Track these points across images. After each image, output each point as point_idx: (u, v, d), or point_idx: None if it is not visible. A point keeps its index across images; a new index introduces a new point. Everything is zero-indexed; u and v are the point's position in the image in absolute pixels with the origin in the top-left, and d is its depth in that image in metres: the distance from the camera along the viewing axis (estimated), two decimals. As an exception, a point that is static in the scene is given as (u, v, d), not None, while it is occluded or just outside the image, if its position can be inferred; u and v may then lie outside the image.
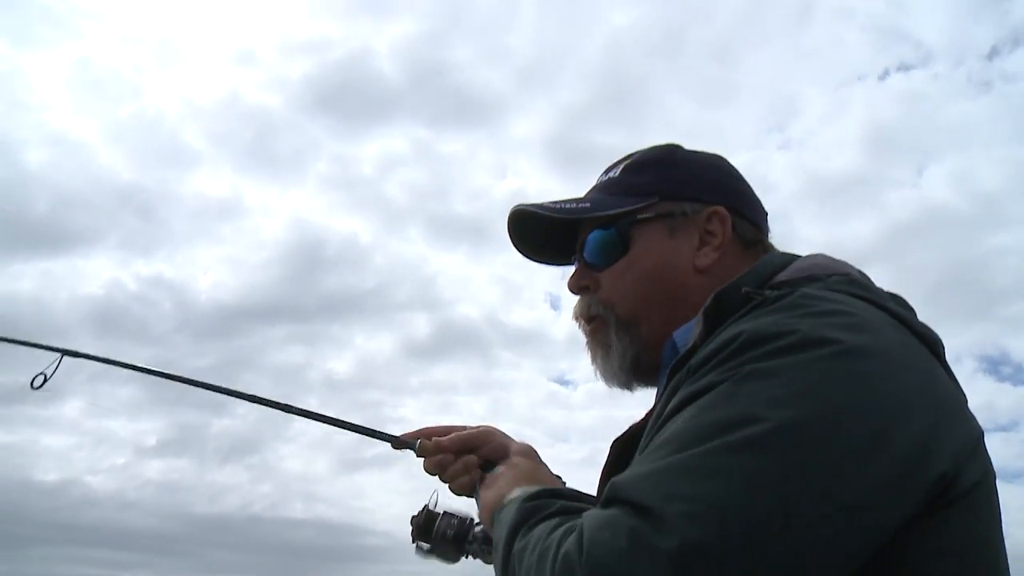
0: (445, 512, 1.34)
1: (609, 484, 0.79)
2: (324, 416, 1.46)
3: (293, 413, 1.47)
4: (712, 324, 0.93)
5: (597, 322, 1.17)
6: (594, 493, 1.06)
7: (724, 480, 0.72)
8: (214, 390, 1.54)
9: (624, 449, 1.02)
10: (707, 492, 0.72)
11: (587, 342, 1.20)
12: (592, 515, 0.79)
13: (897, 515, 0.76)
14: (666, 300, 1.12)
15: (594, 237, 1.17)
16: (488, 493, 1.16)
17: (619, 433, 1.06)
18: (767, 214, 1.22)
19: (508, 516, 0.98)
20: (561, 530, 0.83)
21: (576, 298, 1.23)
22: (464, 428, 1.37)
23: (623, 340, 1.14)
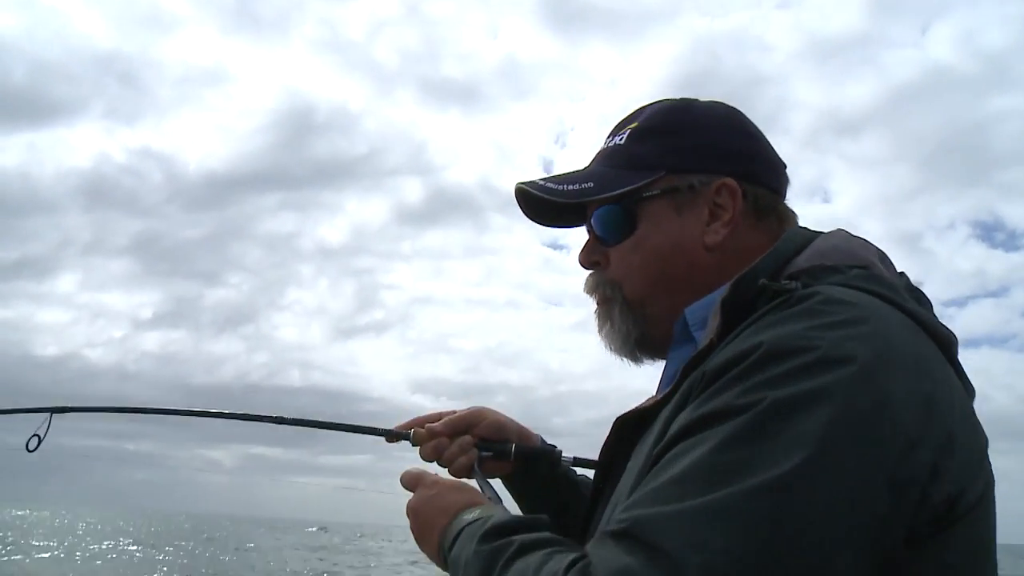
0: None
1: (630, 517, 0.76)
2: (312, 421, 1.48)
3: (284, 423, 1.49)
4: (729, 316, 0.91)
5: (607, 302, 1.17)
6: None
7: (744, 527, 0.70)
8: (199, 415, 1.60)
9: (628, 430, 1.00)
10: (729, 541, 0.70)
11: (595, 311, 1.20)
12: (605, 558, 0.75)
13: (901, 538, 0.76)
14: (675, 280, 1.10)
15: (601, 213, 1.15)
16: (421, 527, 1.13)
17: (624, 411, 1.04)
18: (785, 167, 1.19)
19: (464, 562, 0.94)
20: (549, 570, 0.80)
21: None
22: (454, 412, 1.39)
23: (627, 321, 1.14)
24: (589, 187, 1.14)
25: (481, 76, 58.94)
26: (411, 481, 1.19)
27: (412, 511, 1.14)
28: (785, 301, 0.86)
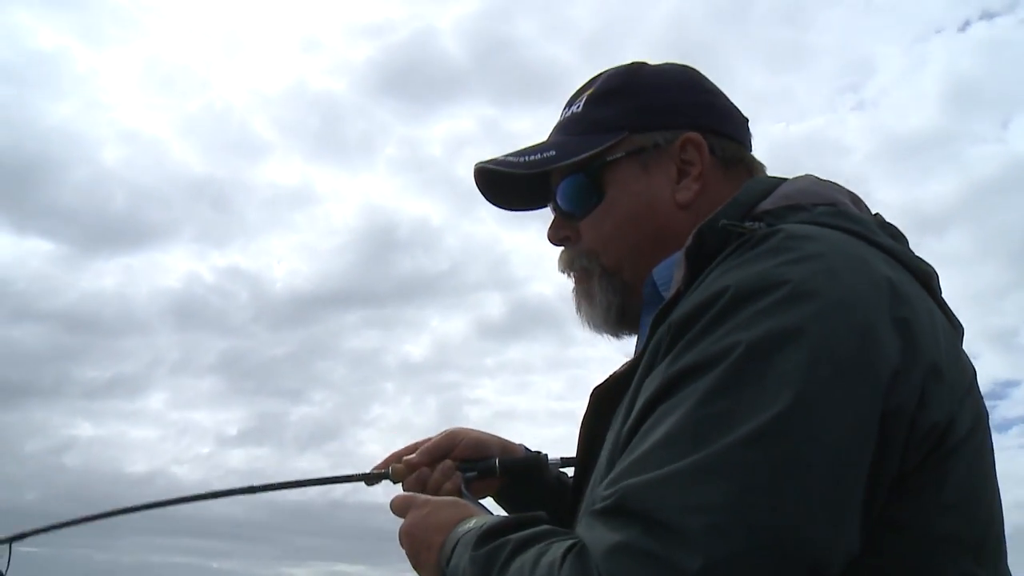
0: None
1: (617, 490, 0.71)
2: (284, 483, 1.39)
3: (255, 491, 1.39)
4: (695, 265, 0.87)
5: (584, 274, 1.11)
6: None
7: (744, 480, 0.66)
8: (163, 505, 1.41)
9: (605, 400, 0.95)
10: (730, 497, 0.66)
11: (573, 290, 1.15)
12: (598, 538, 0.70)
13: (894, 470, 0.73)
14: (651, 243, 1.05)
15: (566, 185, 1.10)
16: (416, 548, 1.03)
17: (600, 382, 0.99)
18: (747, 121, 1.14)
19: (463, 572, 0.87)
20: (546, 563, 0.74)
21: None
22: (429, 440, 1.33)
23: (606, 290, 1.09)
24: (551, 155, 1.08)
25: None
26: (402, 505, 1.10)
27: (406, 535, 1.05)
28: (747, 242, 0.82)
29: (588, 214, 1.09)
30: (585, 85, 1.14)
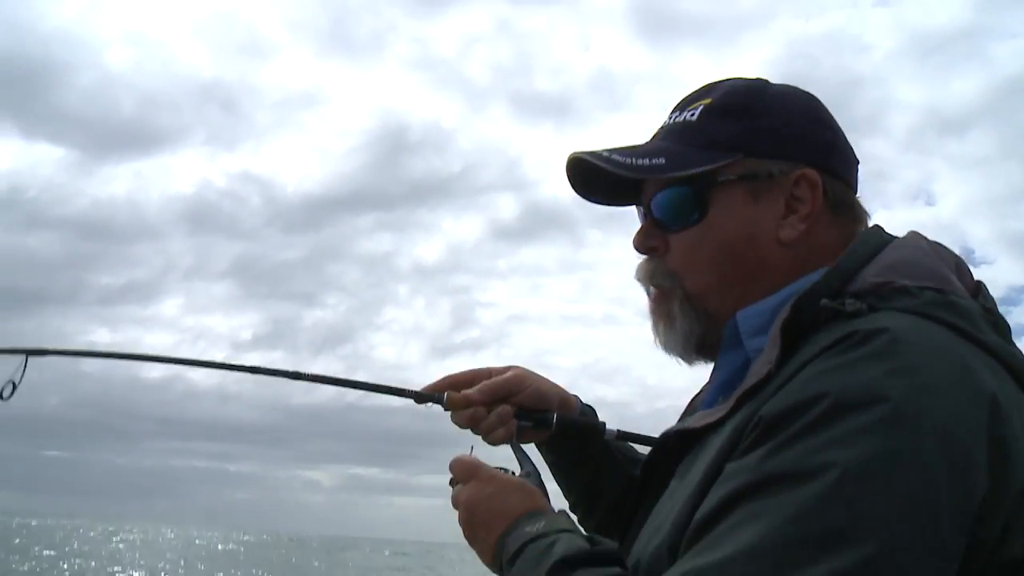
0: None
1: None
2: (339, 379, 1.40)
3: (306, 380, 1.41)
4: (789, 340, 0.86)
5: (662, 292, 1.07)
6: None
7: None
8: (205, 365, 1.52)
9: (672, 445, 0.97)
10: None
11: (649, 306, 1.11)
12: None
13: None
14: (742, 276, 1.02)
15: (667, 196, 1.05)
16: (475, 526, 1.07)
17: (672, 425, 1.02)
18: (858, 163, 1.10)
19: None
20: None
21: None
22: (490, 372, 1.30)
23: (688, 317, 1.04)
24: (661, 163, 1.03)
25: (574, 89, 59.42)
26: (465, 471, 1.11)
27: (465, 506, 1.07)
28: (851, 337, 0.80)
29: (684, 230, 1.04)
30: (699, 92, 1.09)
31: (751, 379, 0.88)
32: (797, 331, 0.86)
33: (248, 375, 1.44)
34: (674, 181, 1.04)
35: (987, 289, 0.95)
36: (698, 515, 0.79)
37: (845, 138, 1.09)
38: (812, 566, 0.68)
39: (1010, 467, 0.75)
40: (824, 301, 0.86)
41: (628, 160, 1.05)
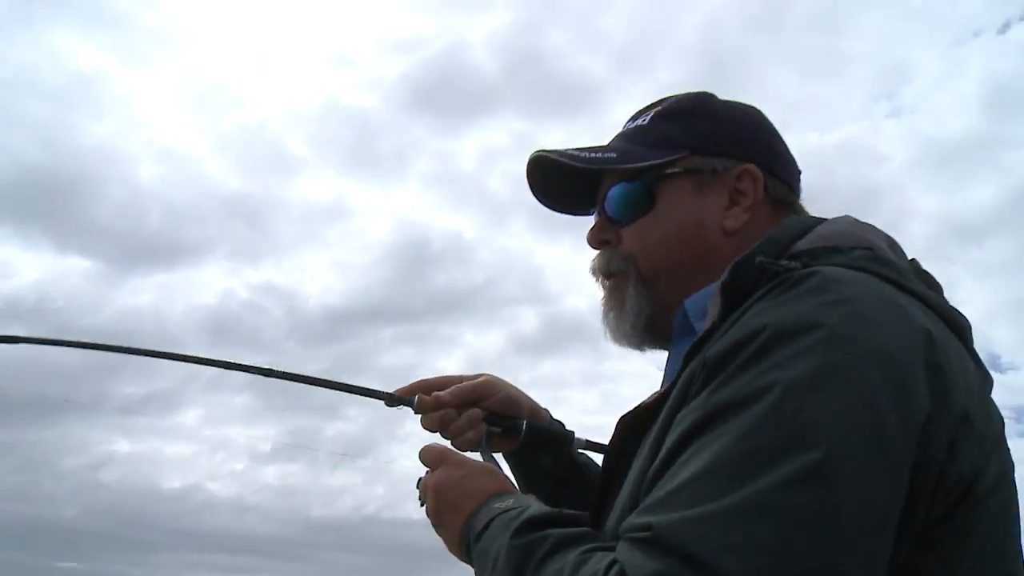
0: None
1: (655, 523, 0.71)
2: (311, 378, 1.36)
3: (275, 377, 1.38)
4: (729, 299, 0.88)
5: (617, 277, 1.11)
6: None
7: (783, 522, 0.67)
8: (168, 358, 1.42)
9: (632, 427, 0.95)
10: (768, 539, 0.66)
11: (602, 298, 1.15)
12: (637, 565, 0.70)
13: (921, 521, 0.74)
14: (690, 262, 1.07)
15: (618, 190, 1.11)
16: (443, 508, 1.05)
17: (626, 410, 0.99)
18: (800, 173, 1.17)
19: (496, 554, 0.89)
20: (588, 572, 0.75)
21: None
22: (462, 378, 1.30)
23: (640, 297, 1.09)
24: (612, 156, 1.11)
25: None
26: (435, 457, 1.11)
27: (433, 489, 1.06)
28: (785, 281, 0.83)
29: (634, 222, 1.10)
30: (654, 103, 1.17)
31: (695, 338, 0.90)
32: (737, 294, 0.87)
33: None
34: (625, 176, 1.10)
35: (921, 265, 0.97)
36: (655, 463, 0.80)
37: (788, 148, 1.16)
38: (764, 476, 0.68)
39: (949, 393, 0.76)
40: (759, 258, 0.87)
41: (581, 154, 1.11)
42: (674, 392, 0.86)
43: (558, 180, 1.17)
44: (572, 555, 0.79)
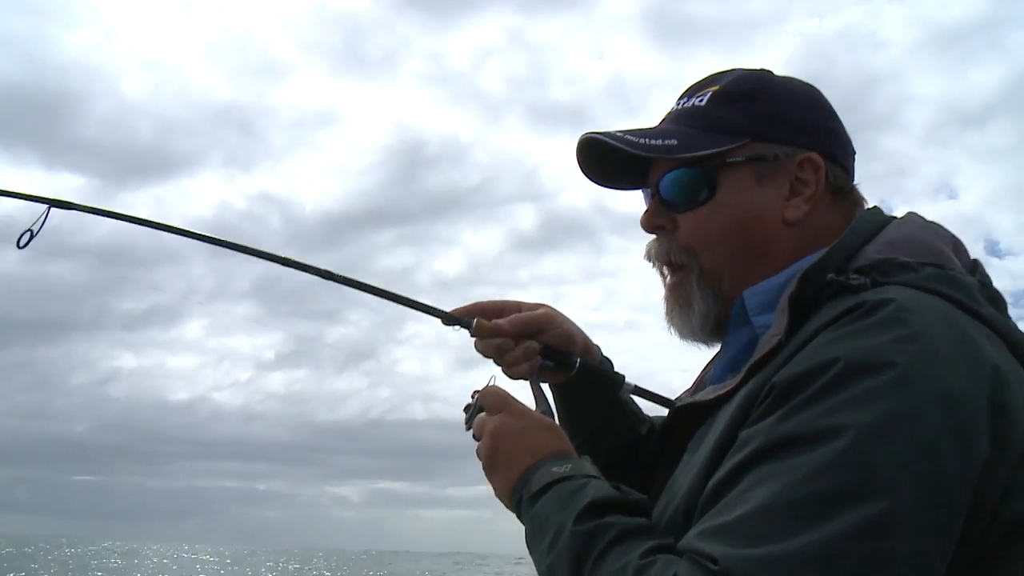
0: None
1: (723, 557, 0.74)
2: (370, 286, 1.34)
3: (332, 279, 1.35)
4: (797, 313, 0.90)
5: (681, 273, 1.10)
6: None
7: (844, 573, 0.70)
8: (225, 246, 1.41)
9: (684, 419, 1.00)
10: None
11: (665, 294, 1.13)
12: None
13: (968, 557, 0.77)
14: (751, 253, 1.05)
15: (676, 176, 1.09)
16: (498, 457, 1.05)
17: (682, 396, 1.06)
18: (855, 153, 1.14)
19: (555, 533, 0.90)
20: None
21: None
22: (519, 306, 1.29)
23: (707, 297, 1.07)
24: (673, 144, 1.07)
25: (589, 97, 59.17)
26: (497, 403, 1.10)
27: (493, 435, 1.06)
28: (858, 307, 0.84)
29: (691, 209, 1.08)
30: (707, 80, 1.13)
31: (760, 351, 0.92)
32: (804, 305, 0.90)
33: None
34: (684, 162, 1.07)
35: (984, 268, 0.99)
36: (713, 480, 0.82)
37: (844, 128, 1.13)
38: (825, 522, 0.71)
39: (1011, 432, 0.79)
40: (830, 275, 0.89)
41: (642, 140, 1.08)
42: (735, 402, 0.89)
43: (611, 157, 1.12)
44: (635, 554, 0.81)
